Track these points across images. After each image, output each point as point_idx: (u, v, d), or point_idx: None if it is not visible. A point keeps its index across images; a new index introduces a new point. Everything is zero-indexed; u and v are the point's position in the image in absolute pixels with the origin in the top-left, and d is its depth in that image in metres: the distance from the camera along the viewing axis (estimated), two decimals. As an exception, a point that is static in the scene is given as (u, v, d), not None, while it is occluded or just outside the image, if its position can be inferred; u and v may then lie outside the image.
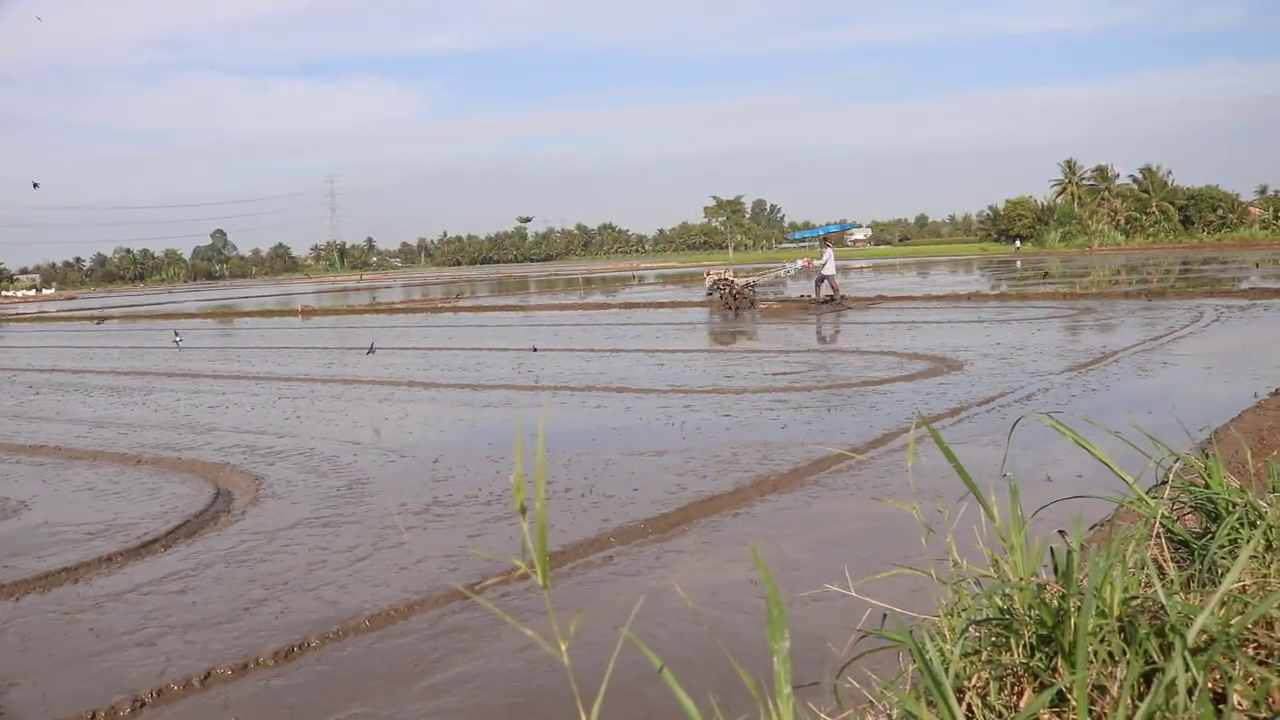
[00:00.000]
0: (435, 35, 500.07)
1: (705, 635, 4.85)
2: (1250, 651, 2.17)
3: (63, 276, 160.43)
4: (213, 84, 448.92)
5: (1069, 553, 2.30)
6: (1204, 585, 2.64)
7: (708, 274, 29.77)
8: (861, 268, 61.75)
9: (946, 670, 2.09)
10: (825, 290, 27.41)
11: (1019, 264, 55.48)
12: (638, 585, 5.69)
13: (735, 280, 28.19)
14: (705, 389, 12.94)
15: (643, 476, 8.22)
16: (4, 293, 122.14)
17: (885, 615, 2.53)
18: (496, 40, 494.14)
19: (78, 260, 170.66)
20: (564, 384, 13.95)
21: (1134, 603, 2.19)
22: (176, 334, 26.59)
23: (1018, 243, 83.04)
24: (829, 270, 27.45)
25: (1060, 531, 2.74)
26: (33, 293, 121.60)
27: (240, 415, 12.71)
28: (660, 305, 31.37)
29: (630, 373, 15.01)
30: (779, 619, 1.63)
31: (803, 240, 36.61)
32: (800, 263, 31.49)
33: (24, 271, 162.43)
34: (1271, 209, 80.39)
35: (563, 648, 1.44)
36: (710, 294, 28.65)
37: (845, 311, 25.16)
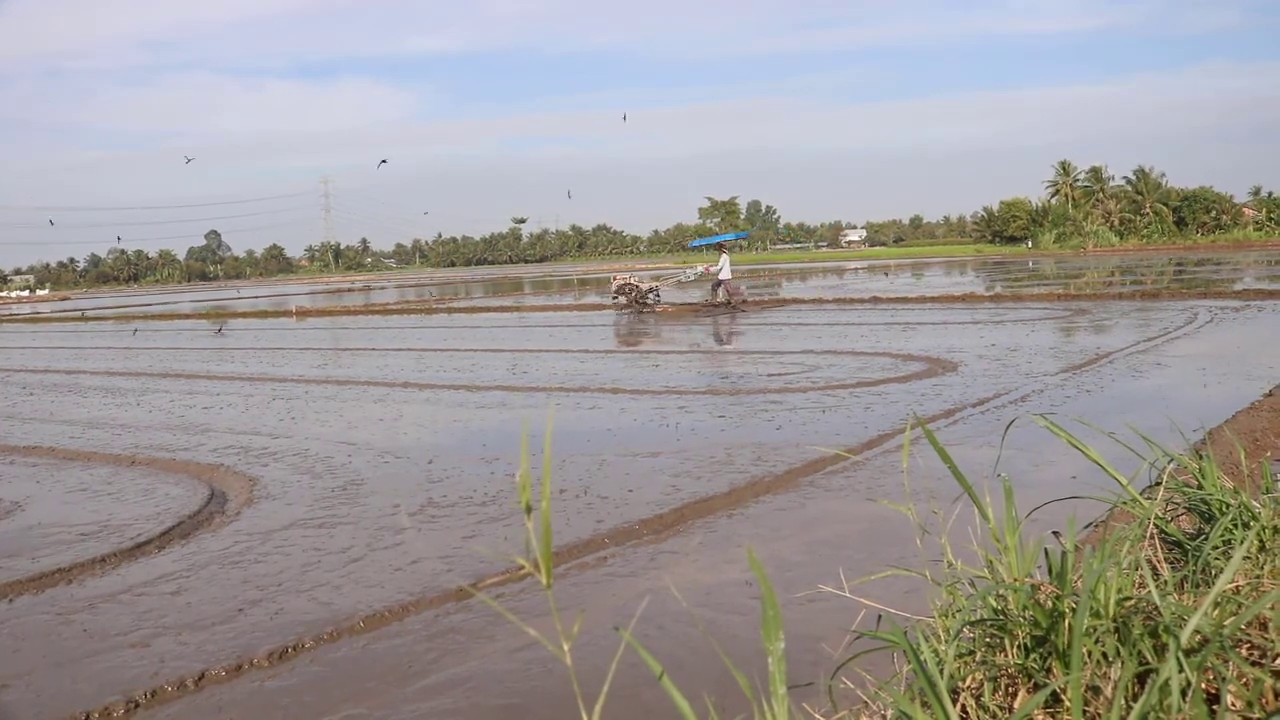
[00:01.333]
0: (427, 37, 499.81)
1: (700, 636, 4.85)
2: (1244, 652, 2.18)
3: (57, 277, 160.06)
4: (206, 85, 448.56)
5: (1063, 554, 2.30)
6: (1198, 586, 2.64)
7: (614, 278, 31.23)
8: (855, 269, 61.81)
9: (941, 671, 2.10)
10: (721, 294, 29.18)
11: (1031, 264, 55.26)
12: (632, 586, 5.69)
13: (640, 285, 29.76)
14: (700, 390, 12.96)
15: (637, 477, 8.22)
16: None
17: (880, 616, 2.53)
18: (488, 41, 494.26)
19: (72, 261, 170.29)
20: (559, 385, 13.95)
21: (1128, 603, 2.19)
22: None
23: (1028, 243, 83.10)
24: (724, 275, 29.38)
25: (1054, 532, 2.74)
26: (26, 293, 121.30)
27: (234, 416, 12.69)
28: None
29: (625, 374, 15.01)
30: (774, 620, 1.63)
31: (701, 247, 39.41)
32: (699, 268, 33.50)
33: (18, 272, 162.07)
34: (1265, 210, 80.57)
35: (565, 648, 1.44)
36: (615, 297, 30.09)
37: (740, 314, 26.71)
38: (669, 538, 6.60)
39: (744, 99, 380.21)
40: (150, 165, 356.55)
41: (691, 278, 33.68)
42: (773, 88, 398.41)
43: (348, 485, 8.52)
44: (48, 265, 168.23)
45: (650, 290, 29.70)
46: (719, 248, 32.58)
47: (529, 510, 1.38)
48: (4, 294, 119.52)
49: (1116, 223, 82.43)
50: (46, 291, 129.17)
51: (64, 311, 57.61)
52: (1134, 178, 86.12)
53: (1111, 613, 2.13)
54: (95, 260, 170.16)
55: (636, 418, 10.98)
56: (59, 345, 29.46)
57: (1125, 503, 3.14)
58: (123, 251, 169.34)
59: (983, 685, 2.19)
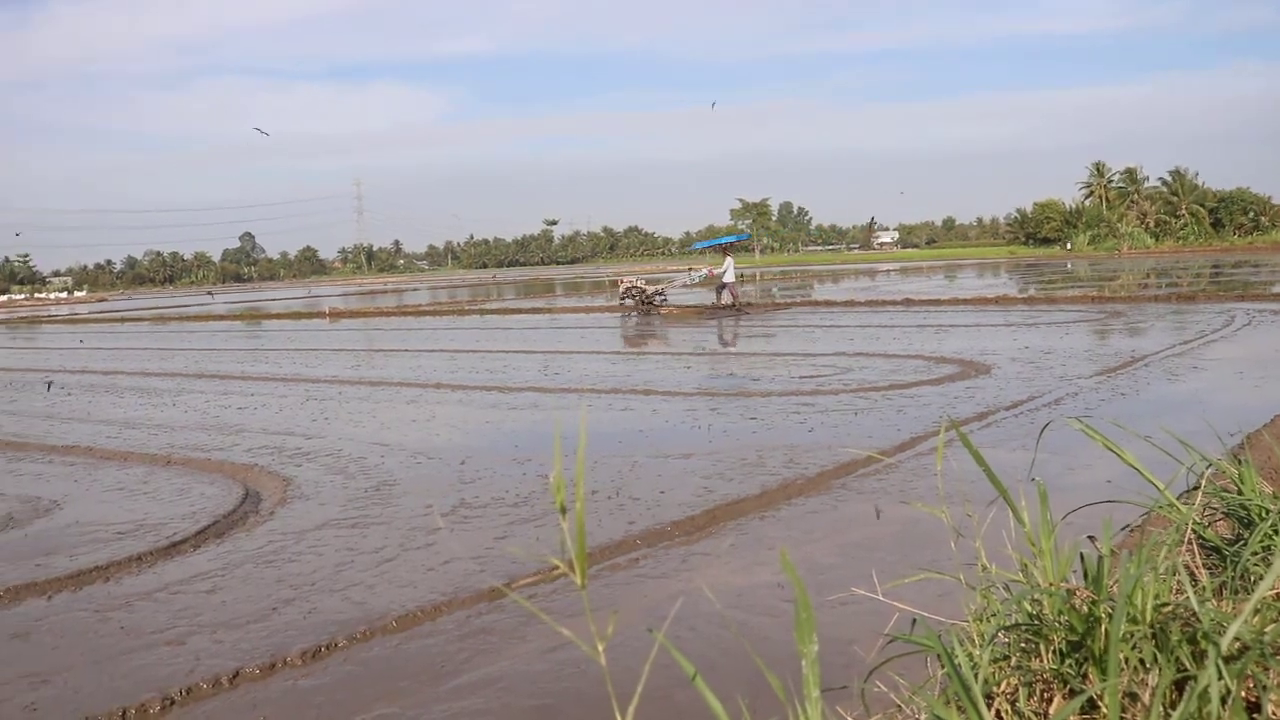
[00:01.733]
0: (457, 39, 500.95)
1: (732, 638, 4.84)
2: (1284, 659, 2.15)
3: (94, 279, 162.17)
4: (239, 88, 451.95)
5: (1099, 558, 2.28)
6: (1237, 592, 2.61)
7: (620, 281, 31.82)
8: (887, 270, 61.55)
9: (975, 675, 2.08)
10: (726, 297, 29.29)
11: (1069, 265, 54.79)
12: (664, 588, 5.69)
13: (646, 288, 30.23)
14: (731, 392, 12.93)
15: (669, 479, 8.22)
16: (36, 295, 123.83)
17: (914, 620, 2.52)
18: (519, 44, 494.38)
19: (108, 263, 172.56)
20: (590, 386, 13.98)
21: (1165, 609, 2.17)
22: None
23: (1067, 244, 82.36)
24: (729, 278, 29.48)
25: (1090, 537, 2.72)
26: (64, 295, 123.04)
27: (268, 416, 12.81)
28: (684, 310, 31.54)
29: (656, 375, 15.02)
30: (807, 622, 1.63)
31: (704, 250, 40.00)
32: (704, 270, 33.60)
33: (56, 274, 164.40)
34: (1304, 211, 79.48)
35: (600, 649, 1.45)
36: (623, 300, 30.52)
37: (743, 317, 26.83)
38: (700, 539, 6.59)
39: (775, 99, 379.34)
40: (183, 168, 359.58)
41: (695, 280, 33.85)
42: (804, 87, 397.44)
43: (381, 486, 8.57)
44: (85, 267, 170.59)
45: (656, 293, 30.11)
46: (723, 250, 32.82)
47: (564, 511, 1.39)
48: (43, 296, 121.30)
49: (1152, 224, 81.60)
50: (84, 293, 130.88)
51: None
52: (1169, 179, 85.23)
53: (1149, 618, 2.11)
54: (131, 262, 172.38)
55: (668, 419, 10.99)
56: (96, 346, 29.84)
57: (1162, 507, 3.11)
58: (158, 254, 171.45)
59: (1018, 690, 2.18)
